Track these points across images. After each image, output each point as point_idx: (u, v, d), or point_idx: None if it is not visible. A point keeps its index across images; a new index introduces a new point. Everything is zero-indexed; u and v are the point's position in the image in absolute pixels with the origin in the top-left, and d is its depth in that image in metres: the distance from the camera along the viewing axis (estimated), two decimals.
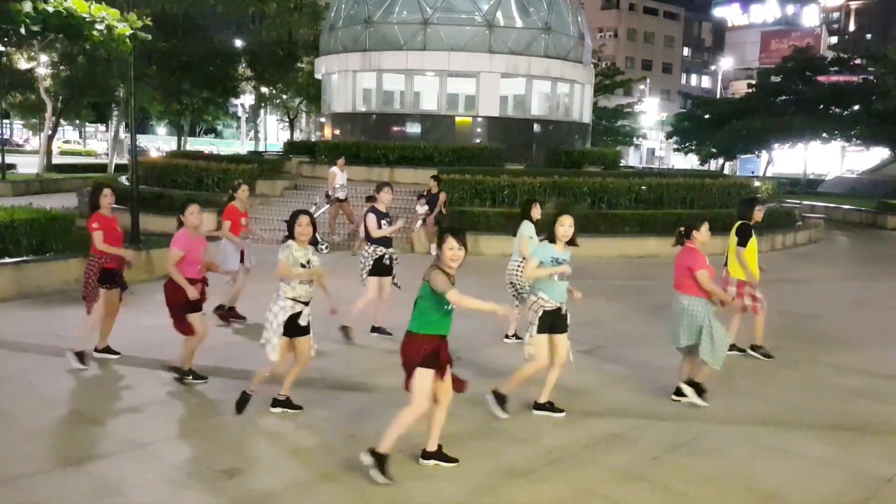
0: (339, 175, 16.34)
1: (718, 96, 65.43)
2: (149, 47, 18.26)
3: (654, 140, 67.19)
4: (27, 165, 34.32)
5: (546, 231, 6.14)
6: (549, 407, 6.14)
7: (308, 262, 5.69)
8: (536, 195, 16.87)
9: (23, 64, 33.18)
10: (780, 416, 6.39)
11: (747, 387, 7.15)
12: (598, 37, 66.57)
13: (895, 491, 5.05)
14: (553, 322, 5.96)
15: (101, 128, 64.40)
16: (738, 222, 8.15)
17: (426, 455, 5.06)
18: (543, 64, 24.12)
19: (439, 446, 5.07)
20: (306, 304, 5.77)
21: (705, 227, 6.48)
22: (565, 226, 5.95)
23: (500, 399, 6.05)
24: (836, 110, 42.73)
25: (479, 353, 7.82)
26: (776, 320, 8.99)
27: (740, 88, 59.48)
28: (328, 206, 16.03)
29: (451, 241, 4.69)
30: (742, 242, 7.96)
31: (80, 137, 64.58)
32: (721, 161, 50.05)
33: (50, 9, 9.61)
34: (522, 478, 4.99)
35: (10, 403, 6.11)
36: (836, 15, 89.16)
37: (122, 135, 38.05)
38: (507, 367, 6.76)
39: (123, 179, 22.16)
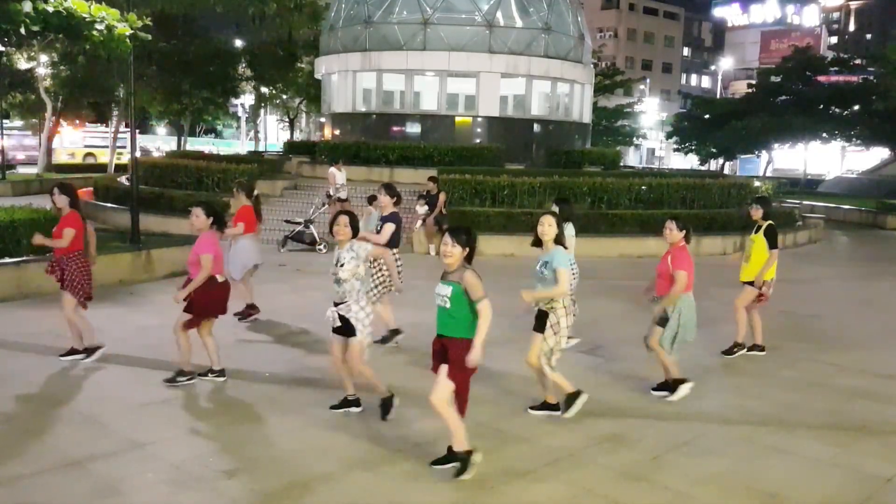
0: (338, 175, 16.48)
1: (718, 96, 65.40)
2: (149, 47, 18.21)
3: (654, 140, 67.15)
4: (27, 166, 34.32)
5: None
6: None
7: (338, 261, 5.83)
8: (536, 195, 16.92)
9: (23, 64, 33.13)
10: (780, 416, 6.39)
11: (747, 387, 7.15)
12: (598, 37, 66.62)
13: (895, 491, 5.05)
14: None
15: (102, 127, 64.32)
16: (769, 223, 7.93)
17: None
18: (543, 64, 24.13)
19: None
20: (336, 304, 5.86)
21: None
22: (543, 225, 5.91)
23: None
24: (836, 110, 42.67)
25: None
26: (776, 320, 8.99)
27: (740, 88, 59.46)
28: (326, 206, 16.10)
29: (444, 238, 4.86)
30: (775, 244, 7.87)
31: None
32: (721, 161, 50.03)
33: (50, 9, 9.61)
34: (522, 478, 4.99)
35: (10, 403, 6.12)
36: (836, 15, 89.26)
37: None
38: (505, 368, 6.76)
39: (123, 179, 22.17)
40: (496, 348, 8.08)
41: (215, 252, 6.53)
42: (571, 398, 6.02)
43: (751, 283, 7.97)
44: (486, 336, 4.75)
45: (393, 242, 7.82)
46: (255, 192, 9.50)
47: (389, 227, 7.76)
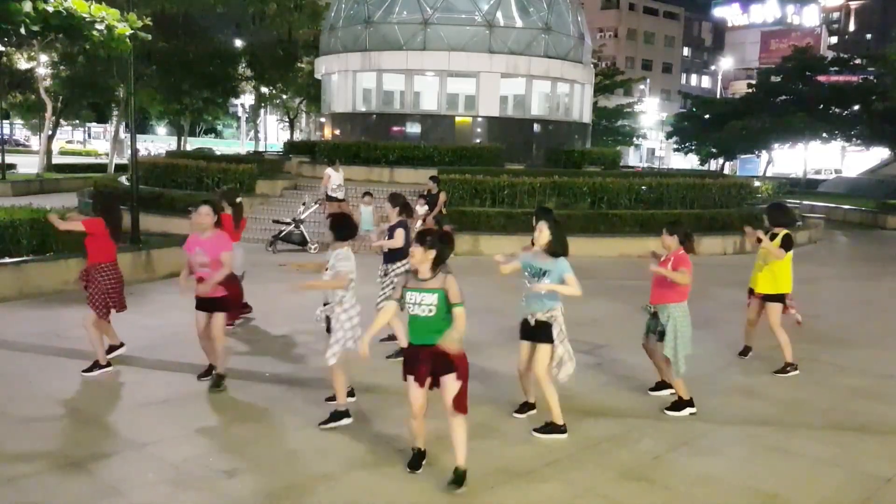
0: (334, 175, 16.46)
1: (718, 96, 65.41)
2: (149, 47, 18.22)
3: (654, 140, 67.20)
4: (27, 165, 34.33)
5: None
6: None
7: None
8: (536, 195, 16.91)
9: (23, 64, 33.16)
10: (780, 416, 6.39)
11: (747, 387, 7.14)
12: (598, 37, 66.59)
13: (895, 491, 5.05)
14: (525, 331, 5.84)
15: (102, 128, 64.41)
16: (787, 232, 7.58)
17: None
18: (543, 64, 24.13)
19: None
20: (325, 304, 6.00)
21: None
22: (542, 232, 5.62)
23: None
24: (836, 110, 42.71)
25: (479, 354, 7.81)
26: None
27: (740, 88, 59.46)
28: (316, 205, 16.11)
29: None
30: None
31: (84, 137, 64.55)
32: (721, 161, 50.06)
33: (50, 9, 9.58)
34: (522, 478, 4.99)
35: (11, 403, 6.11)
36: (836, 15, 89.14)
37: (123, 135, 38.05)
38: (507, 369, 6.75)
39: (123, 179, 22.17)
40: (495, 349, 8.10)
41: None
42: (557, 428, 5.70)
43: (769, 298, 7.66)
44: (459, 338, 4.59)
45: (401, 253, 7.47)
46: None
47: (401, 233, 7.45)
